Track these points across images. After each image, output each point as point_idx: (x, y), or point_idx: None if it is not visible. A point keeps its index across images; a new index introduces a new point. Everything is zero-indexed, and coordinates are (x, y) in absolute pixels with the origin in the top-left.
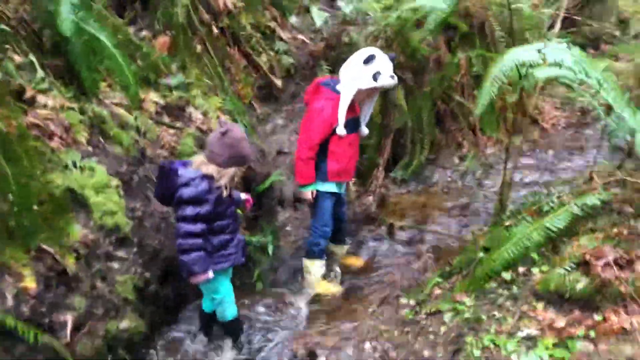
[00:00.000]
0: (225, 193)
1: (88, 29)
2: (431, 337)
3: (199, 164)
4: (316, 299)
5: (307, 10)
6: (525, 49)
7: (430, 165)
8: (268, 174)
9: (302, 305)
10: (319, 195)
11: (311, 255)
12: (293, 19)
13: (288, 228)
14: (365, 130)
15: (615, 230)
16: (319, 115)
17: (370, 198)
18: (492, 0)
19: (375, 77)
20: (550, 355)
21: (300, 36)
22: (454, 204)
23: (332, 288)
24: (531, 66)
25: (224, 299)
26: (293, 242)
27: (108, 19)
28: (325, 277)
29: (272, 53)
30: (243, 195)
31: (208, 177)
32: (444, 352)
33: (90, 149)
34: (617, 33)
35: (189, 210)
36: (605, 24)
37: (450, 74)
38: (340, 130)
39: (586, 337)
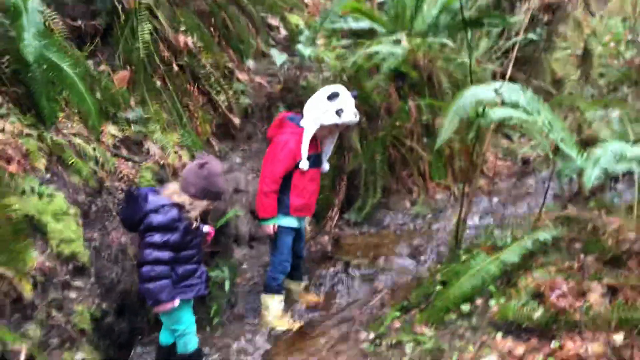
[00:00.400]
0: (194, 224)
1: (50, 56)
2: None
3: (171, 192)
4: (274, 335)
5: (264, 55)
6: (483, 87)
7: (383, 209)
8: (225, 211)
9: (260, 340)
10: (279, 230)
11: (270, 290)
12: (250, 63)
13: (244, 266)
14: (326, 167)
15: (566, 264)
16: (283, 148)
17: (326, 238)
18: (439, 55)
19: (338, 114)
20: None
21: (257, 79)
22: (407, 245)
23: (291, 324)
24: (486, 107)
25: (186, 330)
26: (249, 279)
27: (68, 50)
28: (283, 312)
29: (230, 93)
30: (206, 228)
31: (178, 206)
32: None
33: (48, 176)
34: (553, 91)
35: (158, 237)
36: (542, 83)
37: (401, 120)
38: (304, 164)
39: None
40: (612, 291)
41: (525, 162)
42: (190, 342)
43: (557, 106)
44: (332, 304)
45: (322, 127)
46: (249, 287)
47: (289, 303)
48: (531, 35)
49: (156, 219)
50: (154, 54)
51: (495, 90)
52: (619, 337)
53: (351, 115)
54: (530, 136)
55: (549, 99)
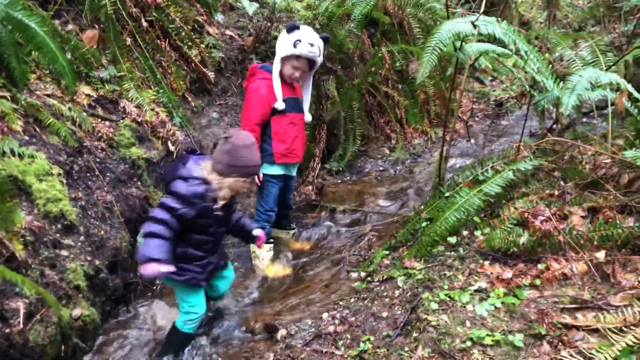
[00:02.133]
0: (218, 204)
1: (16, 15)
2: (387, 300)
3: (204, 167)
4: (267, 282)
5: (232, 9)
6: (459, 20)
7: (363, 156)
8: None
9: (253, 287)
10: (265, 179)
11: None
12: (220, 17)
13: None
14: (308, 117)
15: (547, 192)
16: (254, 94)
17: (310, 187)
18: (409, 1)
19: (295, 45)
20: (502, 303)
21: (228, 32)
22: (389, 189)
23: (282, 270)
24: (465, 38)
25: (189, 310)
26: None
27: (33, 10)
28: (274, 260)
29: (202, 47)
30: (257, 231)
31: (207, 183)
32: (402, 310)
33: (27, 137)
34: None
35: (169, 200)
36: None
37: (376, 67)
38: (279, 104)
39: (532, 285)
40: (592, 213)
41: (499, 104)
42: (188, 324)
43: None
44: (322, 249)
45: (284, 62)
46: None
47: (280, 250)
48: None
49: (180, 186)
50: (122, 10)
51: (472, 23)
52: (601, 255)
53: (307, 45)
54: (502, 73)
55: None
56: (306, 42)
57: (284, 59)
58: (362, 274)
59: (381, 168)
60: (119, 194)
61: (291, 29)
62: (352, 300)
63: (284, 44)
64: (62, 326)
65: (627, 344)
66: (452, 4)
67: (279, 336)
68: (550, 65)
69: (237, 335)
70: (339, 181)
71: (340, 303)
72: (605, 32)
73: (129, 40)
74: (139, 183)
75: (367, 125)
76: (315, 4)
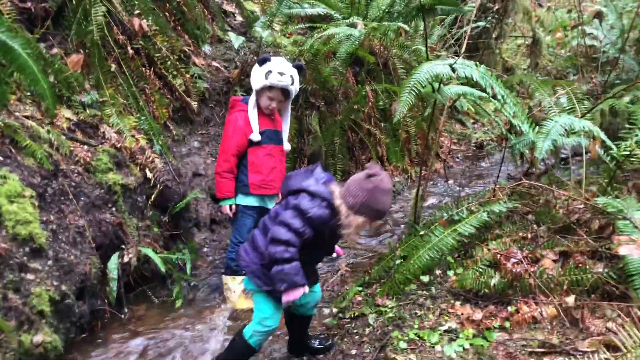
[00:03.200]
0: (343, 235)
1: (0, 37)
2: (357, 337)
3: (332, 190)
4: (237, 315)
5: (220, 41)
6: (438, 63)
7: None
8: (184, 194)
9: (223, 320)
10: (239, 210)
11: (229, 271)
12: (207, 48)
13: (205, 249)
14: (287, 146)
15: (520, 234)
16: (231, 125)
17: None
18: (394, 42)
19: (266, 76)
20: (471, 344)
21: (214, 63)
22: None
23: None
24: (443, 82)
25: (261, 320)
26: (210, 263)
27: (18, 32)
28: (245, 293)
29: (187, 76)
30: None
31: (332, 207)
32: (371, 348)
33: (1, 158)
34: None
35: (295, 222)
36: (493, 71)
37: (359, 104)
38: (254, 135)
39: (502, 327)
40: (563, 257)
41: (479, 146)
42: (255, 336)
43: (509, 89)
44: None
45: (259, 94)
46: (211, 269)
47: None
48: (481, 23)
49: (306, 204)
50: (108, 37)
51: (450, 66)
52: (570, 299)
53: (277, 76)
54: (484, 116)
55: None
56: (276, 72)
57: (259, 91)
58: (334, 310)
59: None
60: (92, 219)
61: (262, 61)
62: (322, 336)
63: (257, 77)
64: (21, 352)
65: None
66: (438, 46)
67: None
68: (528, 110)
69: None
70: None
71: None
72: (583, 81)
73: (113, 67)
74: (113, 209)
75: (348, 161)
76: (301, 40)
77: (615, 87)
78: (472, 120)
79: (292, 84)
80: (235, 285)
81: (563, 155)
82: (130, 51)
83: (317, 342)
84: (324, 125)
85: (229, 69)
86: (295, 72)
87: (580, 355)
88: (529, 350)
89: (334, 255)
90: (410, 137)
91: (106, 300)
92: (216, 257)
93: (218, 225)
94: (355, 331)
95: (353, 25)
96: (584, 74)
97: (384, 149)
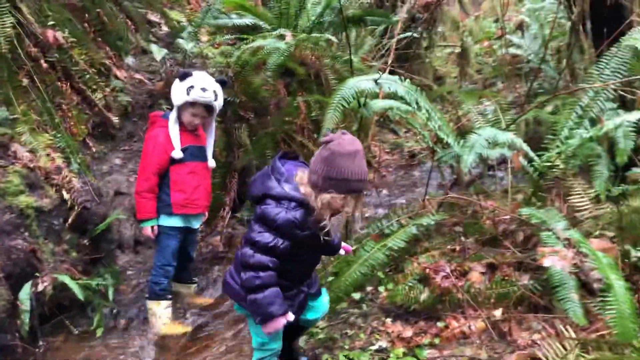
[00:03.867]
0: (327, 228)
1: None
2: None
3: (299, 179)
4: (162, 342)
5: (144, 52)
6: (362, 78)
7: None
8: (105, 215)
9: (148, 349)
10: (161, 231)
11: (153, 295)
12: (130, 60)
13: (129, 272)
14: (212, 162)
15: (449, 247)
16: (151, 142)
17: (218, 238)
18: (326, 53)
19: (188, 91)
20: None
21: (137, 75)
22: None
23: (180, 328)
24: (367, 97)
25: (263, 347)
26: (135, 286)
27: None
28: (171, 318)
29: (107, 90)
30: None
31: (304, 205)
32: None
33: None
34: (435, 88)
35: (263, 237)
36: (424, 80)
37: (291, 116)
38: (176, 153)
39: (431, 344)
40: (490, 269)
41: (412, 155)
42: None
43: (439, 100)
44: (225, 305)
45: (181, 110)
46: (135, 294)
47: (179, 307)
48: (410, 33)
49: (272, 211)
50: (19, 49)
51: (375, 81)
52: (498, 312)
53: (199, 92)
54: (412, 128)
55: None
56: (198, 87)
57: (180, 107)
58: None
59: None
60: (0, 246)
61: (183, 76)
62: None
63: (178, 92)
64: None
65: None
66: (370, 57)
67: None
68: (457, 121)
69: None
70: None
71: None
72: (508, 91)
73: (25, 81)
74: (26, 234)
75: None
76: (229, 51)
77: (539, 97)
78: (404, 130)
79: (215, 99)
80: (160, 310)
81: (491, 163)
82: (45, 65)
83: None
84: (254, 138)
85: (153, 82)
86: (218, 87)
87: None
88: None
89: (342, 252)
90: None
91: (17, 334)
92: (141, 280)
93: (143, 246)
94: None
95: (282, 37)
96: (509, 84)
97: None
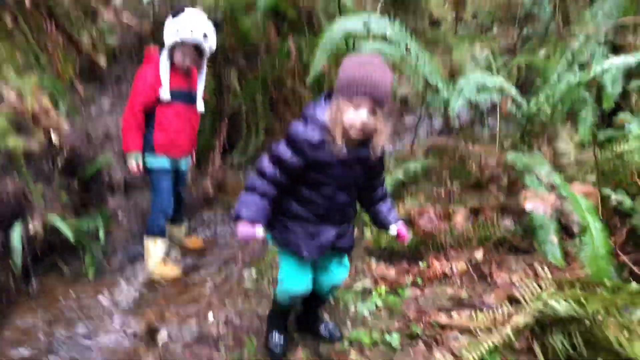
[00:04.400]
0: (338, 146)
1: None
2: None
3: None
4: (153, 282)
5: None
6: (351, 19)
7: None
8: (95, 158)
9: (138, 289)
10: (152, 173)
11: (151, 232)
12: (117, 1)
13: (120, 216)
14: (200, 106)
15: (435, 191)
16: (141, 80)
17: (208, 181)
18: None
19: (178, 31)
20: (384, 302)
21: (125, 18)
22: None
23: (170, 272)
24: (357, 38)
25: (282, 280)
26: (126, 229)
27: None
28: (164, 258)
29: (94, 32)
30: (394, 228)
31: (325, 128)
32: None
33: None
34: (429, 31)
35: (280, 148)
36: (419, 23)
37: (281, 59)
38: (164, 93)
39: (414, 283)
40: (474, 213)
41: (404, 101)
42: (279, 294)
43: (433, 45)
44: (215, 247)
45: (172, 50)
46: (126, 236)
47: (171, 248)
48: None
49: (296, 129)
50: None
51: (364, 23)
52: (479, 254)
53: (188, 32)
54: (404, 73)
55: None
56: (189, 28)
57: (171, 47)
58: (254, 273)
59: None
60: None
61: (176, 13)
62: (240, 301)
63: (169, 31)
64: None
65: (493, 343)
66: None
67: (159, 338)
68: (446, 68)
69: (115, 338)
70: (241, 176)
71: (227, 305)
72: (503, 36)
73: (9, 22)
74: (15, 176)
75: (271, 119)
76: None
77: (531, 42)
78: (396, 74)
79: (205, 40)
80: (155, 249)
81: (483, 110)
82: (28, 5)
83: (324, 328)
84: (244, 82)
85: (142, 22)
86: (210, 29)
87: (486, 308)
88: (439, 305)
89: (393, 232)
90: None
91: (11, 275)
92: (132, 223)
93: (133, 189)
94: (272, 295)
95: None
96: (503, 29)
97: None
